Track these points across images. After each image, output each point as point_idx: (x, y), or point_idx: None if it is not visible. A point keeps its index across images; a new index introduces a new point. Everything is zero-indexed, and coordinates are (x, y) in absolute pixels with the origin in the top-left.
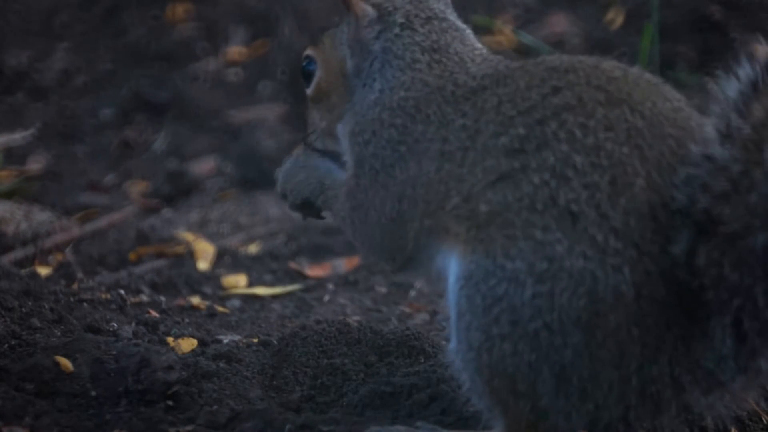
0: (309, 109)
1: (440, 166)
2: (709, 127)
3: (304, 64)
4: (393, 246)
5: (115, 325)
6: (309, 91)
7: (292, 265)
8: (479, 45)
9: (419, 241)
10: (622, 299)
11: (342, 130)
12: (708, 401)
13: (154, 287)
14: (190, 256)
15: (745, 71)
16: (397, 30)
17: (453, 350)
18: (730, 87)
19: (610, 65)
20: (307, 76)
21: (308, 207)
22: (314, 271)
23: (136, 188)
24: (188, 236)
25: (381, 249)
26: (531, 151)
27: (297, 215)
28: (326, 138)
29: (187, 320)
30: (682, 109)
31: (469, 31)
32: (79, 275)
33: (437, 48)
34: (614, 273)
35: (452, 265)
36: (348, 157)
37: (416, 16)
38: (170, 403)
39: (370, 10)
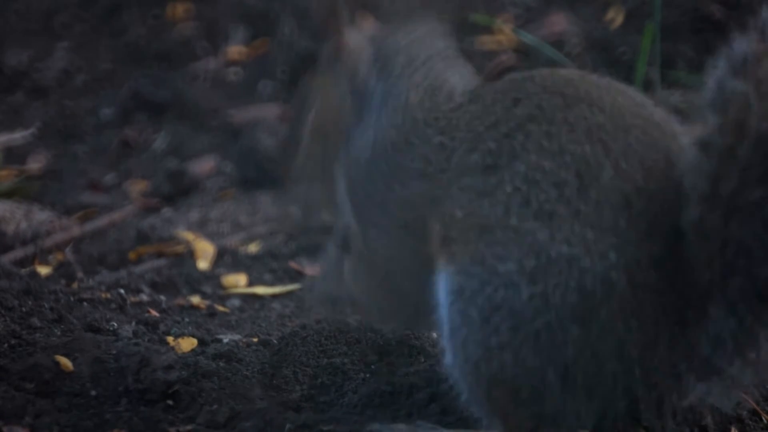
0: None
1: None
2: (676, 122)
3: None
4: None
5: (115, 324)
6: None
7: (292, 264)
8: (471, 78)
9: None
10: (613, 288)
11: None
12: (703, 388)
13: (154, 287)
14: (190, 255)
15: (742, 41)
16: (397, 71)
17: (449, 365)
18: (726, 55)
19: (567, 71)
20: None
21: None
22: (314, 271)
23: (136, 188)
24: (188, 236)
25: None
26: (504, 166)
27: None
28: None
29: (187, 319)
30: (646, 105)
31: (467, 69)
32: (79, 275)
33: (433, 87)
34: (600, 260)
35: (439, 279)
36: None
37: (417, 57)
38: (170, 402)
39: (367, 50)
